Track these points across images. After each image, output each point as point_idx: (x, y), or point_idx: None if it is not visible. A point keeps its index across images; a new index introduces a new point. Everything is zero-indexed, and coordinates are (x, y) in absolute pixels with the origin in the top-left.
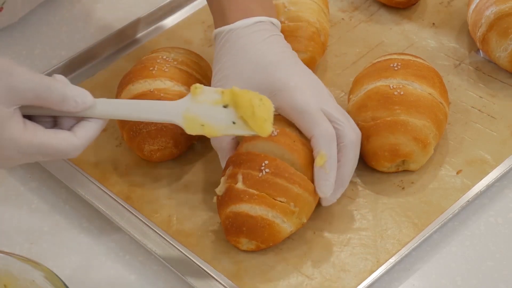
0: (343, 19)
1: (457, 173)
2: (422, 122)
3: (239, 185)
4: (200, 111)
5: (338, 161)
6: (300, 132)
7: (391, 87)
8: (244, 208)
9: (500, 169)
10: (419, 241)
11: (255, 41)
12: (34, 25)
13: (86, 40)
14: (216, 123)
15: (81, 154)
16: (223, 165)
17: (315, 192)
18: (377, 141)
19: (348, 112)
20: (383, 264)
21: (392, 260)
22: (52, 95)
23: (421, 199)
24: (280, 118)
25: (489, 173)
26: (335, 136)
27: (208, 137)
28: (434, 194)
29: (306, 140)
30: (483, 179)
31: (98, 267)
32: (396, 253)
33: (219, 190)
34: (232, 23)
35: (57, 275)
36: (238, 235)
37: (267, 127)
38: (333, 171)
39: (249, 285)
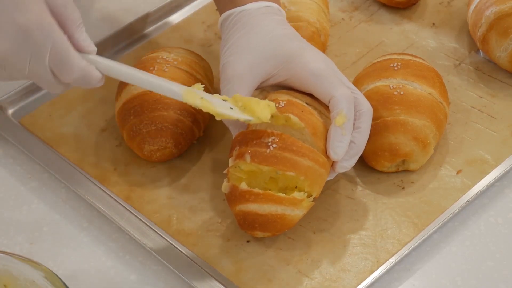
0: (343, 19)
1: (457, 173)
2: (422, 122)
3: (243, 186)
4: (201, 93)
5: (356, 128)
6: (307, 102)
7: (391, 87)
8: (252, 207)
9: (500, 169)
10: (419, 241)
11: (267, 20)
12: None
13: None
14: (215, 102)
15: (81, 154)
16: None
17: (325, 163)
18: (377, 141)
19: None
20: (383, 264)
21: (392, 260)
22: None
23: (421, 199)
24: (287, 92)
25: (489, 173)
26: (353, 101)
27: (205, 111)
28: (434, 194)
29: (314, 110)
30: (483, 179)
31: (98, 267)
32: (396, 253)
33: (224, 188)
34: (243, 5)
35: (57, 275)
36: (252, 229)
37: (266, 112)
38: (349, 135)
39: (249, 285)
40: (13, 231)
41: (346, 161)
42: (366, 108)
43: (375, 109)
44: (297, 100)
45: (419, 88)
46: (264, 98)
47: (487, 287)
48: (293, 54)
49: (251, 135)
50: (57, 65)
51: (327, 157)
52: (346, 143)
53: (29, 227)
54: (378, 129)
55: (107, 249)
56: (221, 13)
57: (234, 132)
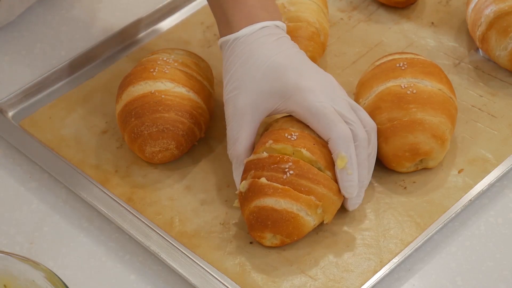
0: (342, 19)
1: (459, 172)
2: (438, 119)
3: (263, 180)
4: None
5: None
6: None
7: (403, 87)
8: (269, 202)
9: (501, 167)
10: (423, 240)
11: (262, 47)
12: (34, 24)
13: (85, 40)
14: None
15: (82, 157)
16: (235, 174)
17: (339, 191)
18: (396, 142)
19: None
20: (387, 264)
21: (395, 260)
22: None
23: (423, 198)
24: (298, 121)
25: (490, 172)
26: (351, 136)
27: None
28: (436, 193)
29: (324, 141)
30: (484, 178)
31: (98, 267)
32: (399, 252)
33: (243, 186)
34: (237, 31)
35: (57, 275)
36: (263, 229)
37: None
38: (355, 172)
39: (252, 286)
40: (13, 231)
41: (355, 198)
42: (361, 139)
43: (389, 110)
44: (309, 132)
45: (430, 85)
46: (276, 125)
47: (487, 287)
48: (292, 89)
49: (268, 160)
50: None
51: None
52: (356, 180)
53: (29, 227)
54: (395, 130)
55: (107, 249)
56: (219, 34)
57: (237, 164)
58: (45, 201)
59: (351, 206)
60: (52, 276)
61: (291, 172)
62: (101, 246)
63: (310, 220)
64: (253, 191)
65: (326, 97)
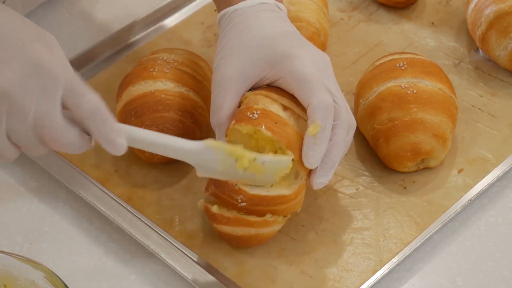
0: (342, 19)
1: (459, 172)
2: (439, 118)
3: (214, 209)
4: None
5: (330, 139)
6: (284, 108)
7: (403, 87)
8: (226, 229)
9: (501, 167)
10: (422, 240)
11: (261, 19)
12: None
13: (86, 40)
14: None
15: (82, 156)
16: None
17: (296, 195)
18: (397, 141)
19: (361, 117)
20: (386, 263)
21: (395, 260)
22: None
23: (423, 198)
24: (265, 94)
25: (490, 171)
26: (333, 108)
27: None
28: (436, 193)
29: (291, 116)
30: (484, 178)
31: (98, 267)
32: (399, 252)
33: (200, 205)
34: (237, 3)
35: (57, 275)
36: (230, 244)
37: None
38: (324, 145)
39: (252, 286)
40: (13, 231)
41: (322, 176)
42: (342, 120)
43: (390, 111)
44: (273, 108)
45: (430, 85)
46: (244, 101)
47: (487, 287)
48: (282, 56)
49: (224, 185)
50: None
51: (304, 168)
52: (320, 153)
53: (29, 227)
54: (396, 130)
55: (107, 249)
56: (218, 11)
57: (220, 133)
58: (45, 201)
59: (316, 184)
60: (52, 276)
61: (243, 204)
62: (101, 246)
63: (273, 229)
64: (208, 215)
65: (316, 69)
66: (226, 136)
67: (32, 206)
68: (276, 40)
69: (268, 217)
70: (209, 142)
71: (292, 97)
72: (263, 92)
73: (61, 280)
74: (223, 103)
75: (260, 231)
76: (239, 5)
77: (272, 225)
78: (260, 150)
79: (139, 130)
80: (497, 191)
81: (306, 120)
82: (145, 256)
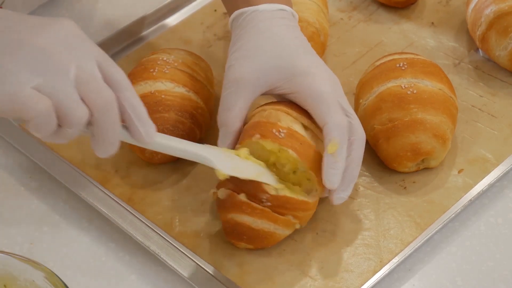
0: (342, 19)
1: (459, 172)
2: (439, 118)
3: (242, 197)
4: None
5: (348, 155)
6: (305, 128)
7: (403, 87)
8: (246, 219)
9: (501, 167)
10: (423, 240)
11: (279, 26)
12: None
13: None
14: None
15: (82, 156)
16: (220, 144)
17: (314, 204)
18: (398, 141)
19: (361, 117)
20: (387, 264)
21: (395, 260)
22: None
23: (423, 198)
24: (287, 112)
25: (490, 172)
26: (348, 128)
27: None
28: (436, 193)
29: (312, 140)
30: (484, 178)
31: (98, 267)
32: (399, 253)
33: (221, 194)
34: (257, 5)
35: (57, 275)
36: (238, 240)
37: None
38: (342, 162)
39: (252, 287)
40: (13, 231)
41: (342, 191)
42: (358, 136)
43: (390, 111)
44: (296, 128)
45: (430, 85)
46: (263, 113)
47: (487, 287)
48: (301, 72)
49: (249, 183)
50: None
51: (322, 187)
52: (340, 171)
53: (29, 227)
54: (396, 130)
55: (107, 249)
56: (230, 12)
57: (224, 132)
58: (45, 201)
59: (336, 199)
60: (52, 276)
61: (268, 203)
62: (101, 246)
63: (286, 233)
64: (231, 204)
65: (331, 88)
66: (239, 144)
67: (32, 206)
68: (296, 54)
69: (291, 218)
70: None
71: (309, 116)
72: (284, 109)
73: (61, 280)
74: (235, 103)
75: (278, 230)
76: (260, 7)
77: (290, 228)
78: (279, 166)
79: (167, 137)
80: (497, 191)
81: (322, 140)
82: (145, 256)
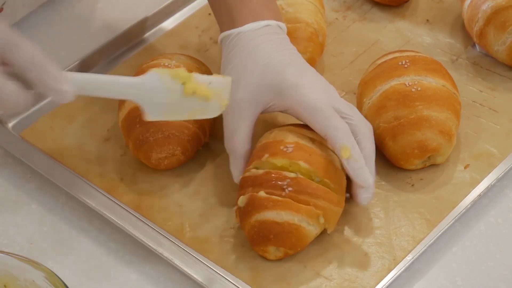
0: (337, 19)
1: (465, 167)
2: (444, 115)
3: (262, 193)
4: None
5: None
6: (312, 141)
7: (407, 85)
8: (270, 215)
9: (507, 162)
10: (435, 237)
11: (264, 44)
12: (34, 25)
13: (86, 40)
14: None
15: (86, 165)
16: (232, 169)
17: (338, 202)
18: (404, 139)
19: (365, 116)
20: (401, 261)
21: (409, 258)
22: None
23: (432, 195)
24: (292, 129)
25: (496, 166)
26: (349, 130)
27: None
28: (444, 189)
29: (321, 151)
30: (491, 173)
31: (98, 267)
32: (412, 250)
33: (241, 201)
34: (241, 26)
35: (57, 275)
36: (266, 243)
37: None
38: (362, 159)
39: None
40: (13, 231)
41: (365, 191)
42: (364, 133)
43: (395, 109)
44: (304, 141)
45: (433, 82)
46: (269, 136)
47: (487, 287)
48: (288, 86)
49: (266, 177)
50: None
51: (342, 194)
52: (365, 166)
53: (29, 227)
54: (403, 128)
55: (107, 249)
56: (221, 30)
57: (234, 159)
58: (45, 202)
59: (363, 200)
60: (52, 276)
61: (289, 189)
62: (101, 246)
63: (312, 229)
64: (252, 206)
65: (323, 95)
66: (249, 165)
67: (32, 206)
68: (282, 68)
69: (313, 208)
70: (153, 69)
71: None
72: (289, 127)
73: (61, 280)
74: (238, 128)
75: (303, 223)
76: (244, 28)
77: (315, 221)
78: None
79: (83, 75)
80: (497, 191)
81: (331, 149)
82: (146, 256)
